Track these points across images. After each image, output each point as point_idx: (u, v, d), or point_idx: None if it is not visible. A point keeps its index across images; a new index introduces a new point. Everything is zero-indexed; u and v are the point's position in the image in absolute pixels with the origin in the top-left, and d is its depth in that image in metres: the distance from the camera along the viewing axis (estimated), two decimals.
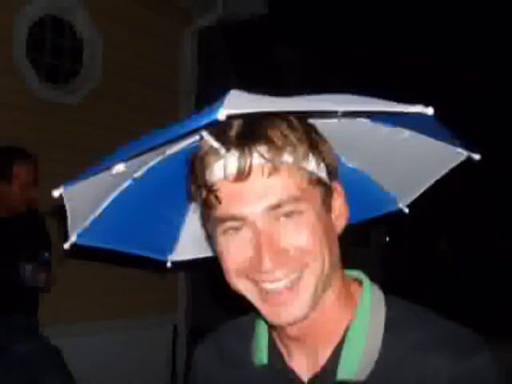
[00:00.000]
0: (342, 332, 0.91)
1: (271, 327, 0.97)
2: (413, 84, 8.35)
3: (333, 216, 0.91)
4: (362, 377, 0.87)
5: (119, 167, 0.87)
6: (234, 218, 0.84)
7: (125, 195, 1.02)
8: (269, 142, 0.82)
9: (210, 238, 0.95)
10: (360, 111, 0.86)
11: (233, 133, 0.84)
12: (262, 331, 0.99)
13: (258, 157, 0.82)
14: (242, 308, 0.97)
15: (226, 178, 0.84)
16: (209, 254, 1.15)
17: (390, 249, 9.94)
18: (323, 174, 0.88)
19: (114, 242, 1.09)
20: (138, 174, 0.99)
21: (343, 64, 8.38)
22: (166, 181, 1.03)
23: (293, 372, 0.94)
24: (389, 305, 0.93)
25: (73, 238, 1.03)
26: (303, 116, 0.88)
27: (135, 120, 4.34)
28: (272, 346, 0.98)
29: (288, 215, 0.84)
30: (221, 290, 0.93)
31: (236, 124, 0.84)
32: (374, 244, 9.43)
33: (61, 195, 0.92)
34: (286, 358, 0.96)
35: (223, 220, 0.85)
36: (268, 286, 0.85)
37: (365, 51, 8.87)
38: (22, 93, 3.97)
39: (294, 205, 0.83)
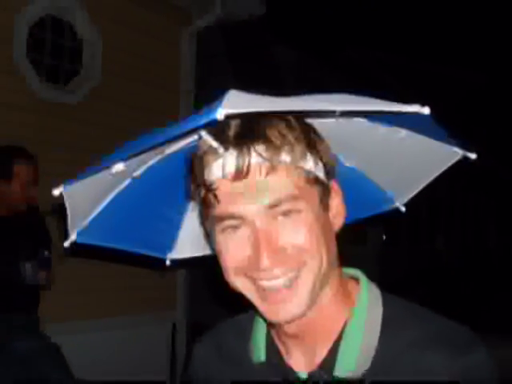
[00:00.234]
0: (339, 329, 0.92)
1: (269, 325, 0.97)
2: (409, 83, 8.37)
3: (330, 215, 0.91)
4: (359, 374, 0.88)
5: (119, 166, 0.88)
6: (232, 217, 0.85)
7: (124, 194, 1.03)
8: (267, 141, 0.83)
9: (209, 237, 0.96)
10: (357, 111, 0.87)
11: (231, 132, 0.84)
12: (260, 329, 1.00)
13: (256, 156, 0.83)
14: (241, 306, 0.97)
15: (224, 177, 0.84)
16: (208, 252, 1.15)
17: (387, 247, 9.96)
18: (321, 173, 0.88)
19: (114, 240, 1.10)
20: (137, 173, 1.00)
21: (340, 64, 8.39)
22: (166, 180, 1.04)
23: (291, 369, 0.95)
24: (386, 303, 0.93)
25: (73, 237, 1.04)
26: (301, 116, 0.89)
27: (135, 120, 4.35)
28: (270, 344, 0.98)
29: (286, 214, 0.84)
30: (220, 288, 0.93)
31: (234, 124, 0.85)
32: (371, 242, 9.45)
33: (61, 194, 0.93)
34: (284, 356, 0.96)
35: (222, 219, 0.86)
36: (266, 283, 0.86)
37: (361, 51, 8.88)
38: (22, 93, 3.97)
39: (292, 203, 0.84)
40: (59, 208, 0.98)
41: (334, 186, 0.93)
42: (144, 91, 4.66)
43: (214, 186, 0.85)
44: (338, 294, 0.93)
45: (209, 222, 0.90)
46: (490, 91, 9.95)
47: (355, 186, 1.07)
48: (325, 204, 0.89)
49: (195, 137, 0.93)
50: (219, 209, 0.86)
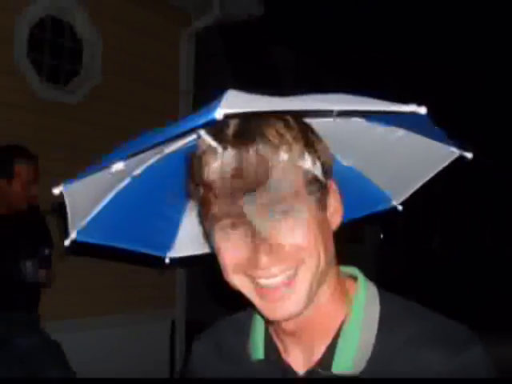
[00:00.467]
0: (337, 327, 0.93)
1: (268, 322, 0.98)
2: (406, 83, 8.37)
3: (328, 214, 0.92)
4: (357, 371, 0.88)
5: (118, 166, 0.89)
6: (230, 216, 0.86)
7: (124, 193, 1.04)
8: (265, 140, 0.84)
9: (208, 236, 0.96)
10: (355, 110, 0.87)
11: (230, 132, 0.85)
12: (258, 326, 1.01)
13: (255, 155, 0.83)
14: (240, 304, 0.98)
15: (223, 176, 0.85)
16: (207, 250, 1.16)
17: (385, 246, 9.96)
18: (319, 173, 0.89)
19: (114, 239, 1.11)
20: (136, 173, 1.01)
21: (338, 64, 8.40)
22: (165, 179, 1.04)
23: (289, 367, 0.96)
24: (383, 301, 0.94)
25: (73, 235, 1.04)
26: (299, 115, 0.89)
27: (134, 120, 4.36)
28: (268, 342, 0.99)
29: (284, 213, 0.85)
30: (218, 286, 0.94)
31: (233, 123, 0.85)
32: (368, 241, 9.45)
33: (61, 193, 0.94)
34: (282, 353, 0.97)
35: (220, 218, 0.87)
36: (264, 281, 0.87)
37: (359, 51, 8.88)
38: (22, 92, 3.99)
39: (290, 202, 0.85)
40: (59, 207, 0.99)
41: (332, 185, 0.93)
42: (143, 91, 4.67)
43: (213, 186, 0.86)
44: (336, 292, 0.94)
45: (208, 221, 0.91)
46: (487, 91, 9.95)
47: (353, 186, 1.08)
48: (323, 203, 0.90)
49: (194, 136, 0.94)
50: (218, 208, 0.86)
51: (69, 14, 4.37)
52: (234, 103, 0.72)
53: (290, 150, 0.85)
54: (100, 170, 0.91)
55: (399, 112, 0.76)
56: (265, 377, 0.97)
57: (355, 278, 0.98)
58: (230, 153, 0.84)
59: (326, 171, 0.91)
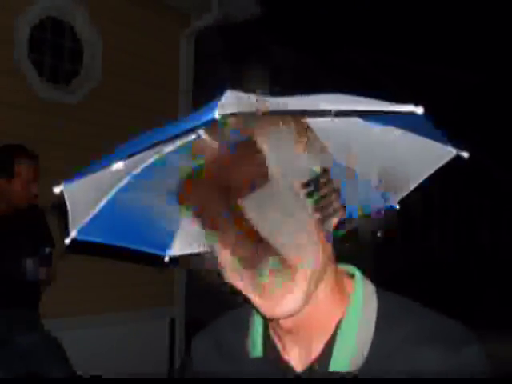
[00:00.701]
0: (334, 325, 0.93)
1: (266, 320, 0.99)
2: (404, 83, 8.36)
3: (326, 213, 0.92)
4: (354, 369, 0.89)
5: (118, 165, 0.90)
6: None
7: (124, 192, 1.05)
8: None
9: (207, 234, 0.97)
10: (352, 110, 0.88)
11: (228, 131, 0.86)
12: (257, 324, 1.01)
13: None
14: (238, 301, 0.99)
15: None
16: (206, 249, 1.16)
17: (382, 244, 9.94)
18: (317, 172, 0.90)
19: (114, 237, 1.11)
20: (136, 172, 1.01)
21: (336, 64, 8.39)
22: (165, 178, 1.05)
23: (287, 364, 0.96)
24: (380, 299, 0.95)
25: (73, 234, 1.05)
26: (297, 115, 0.90)
27: (135, 119, 4.36)
28: (267, 339, 1.00)
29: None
30: (218, 284, 0.95)
31: (231, 123, 0.86)
32: (365, 239, 9.42)
33: (61, 192, 0.95)
34: (281, 351, 0.98)
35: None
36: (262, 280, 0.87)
37: (357, 51, 8.87)
38: (23, 92, 4.00)
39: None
40: (60, 206, 1.00)
41: (332, 184, 0.94)
42: (143, 91, 4.68)
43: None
44: (334, 291, 0.94)
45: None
46: (484, 91, 9.94)
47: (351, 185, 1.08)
48: (321, 202, 0.90)
49: (194, 136, 0.94)
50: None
51: (69, 14, 4.38)
52: (232, 103, 0.73)
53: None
54: (100, 169, 0.92)
55: (396, 112, 0.77)
56: (263, 374, 0.97)
57: (353, 276, 0.99)
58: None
59: (325, 170, 0.92)
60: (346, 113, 0.90)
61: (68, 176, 0.95)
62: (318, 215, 0.89)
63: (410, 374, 0.86)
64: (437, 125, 0.89)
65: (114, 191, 1.04)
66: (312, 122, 0.94)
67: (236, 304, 1.04)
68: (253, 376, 0.98)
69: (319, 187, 0.91)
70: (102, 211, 1.05)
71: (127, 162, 0.91)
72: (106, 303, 4.39)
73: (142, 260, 1.56)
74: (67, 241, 1.05)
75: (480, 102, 10.23)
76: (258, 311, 0.94)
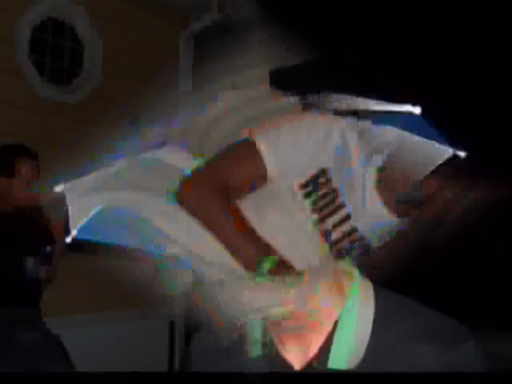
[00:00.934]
0: (333, 324, 0.94)
1: (265, 318, 0.99)
2: (402, 84, 8.36)
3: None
4: (352, 367, 0.90)
5: (119, 164, 0.90)
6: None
7: (124, 191, 1.05)
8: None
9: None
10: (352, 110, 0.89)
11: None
12: (256, 323, 1.01)
13: None
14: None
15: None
16: None
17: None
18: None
19: (114, 236, 1.12)
20: (136, 171, 1.03)
21: (336, 64, 8.38)
22: (164, 177, 1.06)
23: (286, 361, 0.97)
24: (378, 296, 0.96)
25: (73, 233, 1.06)
26: None
27: (134, 119, 4.36)
28: (266, 337, 1.00)
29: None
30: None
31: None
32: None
33: (62, 191, 0.96)
34: (280, 348, 0.99)
35: None
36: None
37: (357, 51, 8.87)
38: (24, 93, 4.01)
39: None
40: (60, 205, 1.00)
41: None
42: (143, 91, 4.68)
43: None
44: (332, 289, 0.95)
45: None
46: (481, 91, 9.95)
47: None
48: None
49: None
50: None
51: (69, 15, 4.39)
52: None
53: None
54: (101, 168, 0.92)
55: (394, 112, 0.77)
56: (263, 372, 0.98)
57: (350, 274, 1.00)
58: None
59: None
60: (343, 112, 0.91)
61: (68, 176, 0.95)
62: (316, 215, 0.90)
63: (407, 372, 0.87)
64: (434, 125, 0.89)
65: (114, 190, 1.05)
66: None
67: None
68: (252, 374, 0.99)
69: (318, 188, 0.91)
70: (102, 210, 1.05)
71: (128, 161, 0.91)
72: (106, 301, 4.39)
73: (143, 259, 1.56)
74: (68, 240, 1.06)
75: (479, 103, 10.24)
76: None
